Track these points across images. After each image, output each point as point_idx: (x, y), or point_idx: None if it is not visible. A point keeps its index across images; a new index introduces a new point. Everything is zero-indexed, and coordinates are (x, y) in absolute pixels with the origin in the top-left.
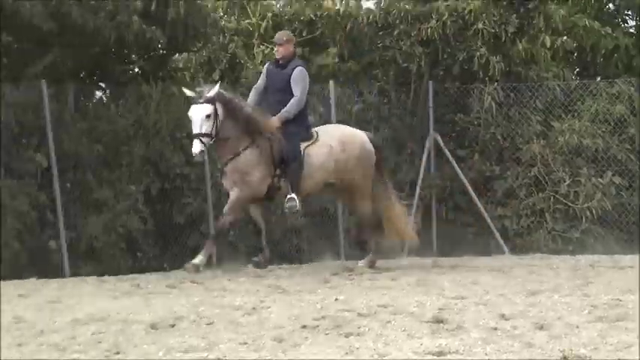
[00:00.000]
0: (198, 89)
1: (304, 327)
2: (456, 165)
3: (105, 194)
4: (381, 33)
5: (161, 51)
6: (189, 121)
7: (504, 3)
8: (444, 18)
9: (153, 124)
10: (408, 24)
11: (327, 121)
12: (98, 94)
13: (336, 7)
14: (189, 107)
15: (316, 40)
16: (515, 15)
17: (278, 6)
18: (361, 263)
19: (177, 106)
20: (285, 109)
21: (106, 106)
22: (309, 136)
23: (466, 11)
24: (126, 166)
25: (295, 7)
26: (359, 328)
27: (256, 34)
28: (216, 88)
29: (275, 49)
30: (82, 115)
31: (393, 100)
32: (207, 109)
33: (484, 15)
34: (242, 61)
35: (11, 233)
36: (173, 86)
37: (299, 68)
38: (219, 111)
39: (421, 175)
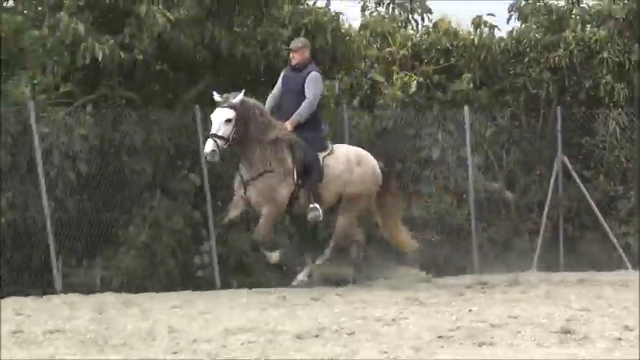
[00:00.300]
0: (224, 95)
1: (440, 337)
2: (582, 186)
3: None
4: (512, 61)
5: None
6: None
7: (628, 33)
8: (571, 47)
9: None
10: (538, 52)
11: (463, 145)
12: None
13: (471, 37)
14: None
15: (451, 67)
16: (638, 44)
17: (417, 35)
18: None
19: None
20: (297, 111)
21: None
22: (324, 147)
23: (592, 41)
24: None
25: (433, 37)
26: (491, 337)
27: (396, 62)
28: (241, 95)
29: (291, 55)
30: None
31: (524, 125)
32: (229, 113)
33: (609, 44)
34: (381, 87)
35: (167, 251)
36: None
37: (313, 73)
38: (243, 118)
39: (549, 196)
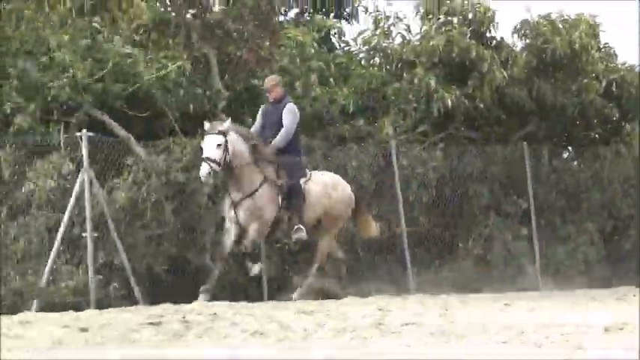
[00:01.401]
0: (212, 123)
1: None
2: None
3: (568, 230)
4: None
5: (615, 122)
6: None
7: None
8: None
9: (606, 177)
10: None
11: None
12: (565, 154)
13: None
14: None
15: None
16: None
17: None
18: (295, 295)
19: (626, 164)
20: (275, 140)
21: (570, 163)
22: (304, 173)
23: None
24: (585, 210)
25: None
26: None
27: None
28: (228, 122)
29: (267, 94)
30: (553, 170)
31: None
32: (218, 139)
33: None
34: None
35: (498, 260)
36: (623, 148)
37: (289, 104)
38: (231, 143)
39: None
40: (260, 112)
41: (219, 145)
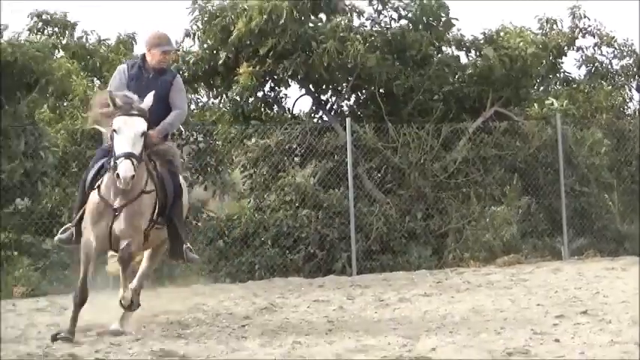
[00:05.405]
0: (123, 94)
1: None
2: None
3: None
4: None
5: None
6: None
7: None
8: None
9: None
10: None
11: None
12: None
13: None
14: None
15: None
16: None
17: None
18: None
19: None
20: (168, 121)
21: None
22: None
23: None
24: None
25: None
26: None
27: None
28: (150, 97)
29: (161, 56)
30: None
31: None
32: (144, 125)
33: None
34: None
35: None
36: None
37: (178, 79)
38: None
39: None
40: (124, 74)
41: (143, 133)
